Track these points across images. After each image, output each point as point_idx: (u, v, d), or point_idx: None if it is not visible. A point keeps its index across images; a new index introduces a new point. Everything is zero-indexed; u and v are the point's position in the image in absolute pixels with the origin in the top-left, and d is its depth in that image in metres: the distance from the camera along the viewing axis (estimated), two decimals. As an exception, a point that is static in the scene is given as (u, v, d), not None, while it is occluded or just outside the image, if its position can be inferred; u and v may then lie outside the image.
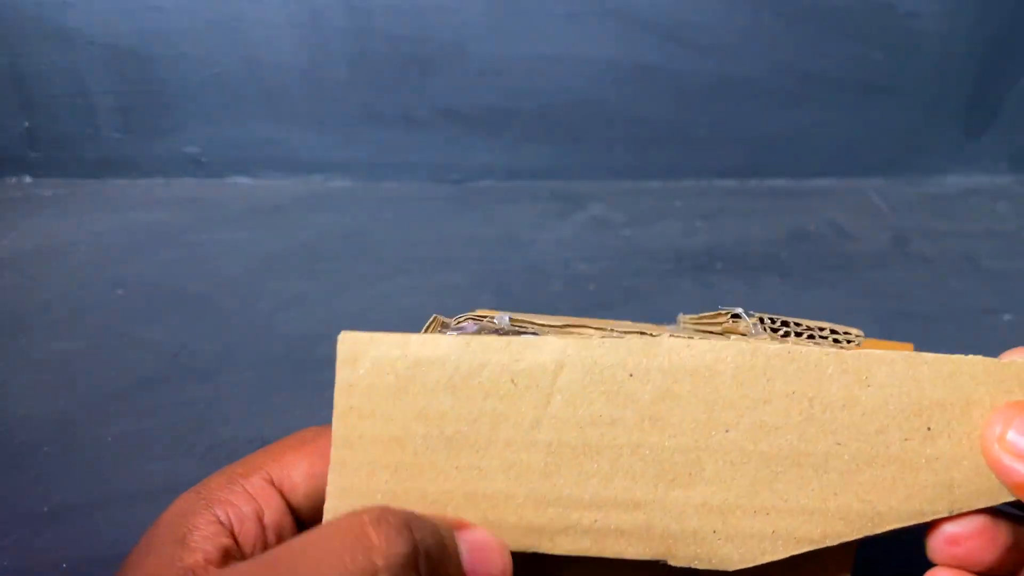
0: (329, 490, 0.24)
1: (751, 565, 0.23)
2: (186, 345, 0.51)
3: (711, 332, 0.27)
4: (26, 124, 0.65)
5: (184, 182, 0.68)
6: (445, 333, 0.25)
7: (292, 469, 0.26)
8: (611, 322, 0.36)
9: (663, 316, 0.55)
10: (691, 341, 0.24)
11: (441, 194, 0.68)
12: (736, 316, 0.26)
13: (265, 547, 0.25)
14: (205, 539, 0.24)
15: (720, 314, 0.26)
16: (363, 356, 0.24)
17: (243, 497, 0.25)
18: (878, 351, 0.24)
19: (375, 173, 0.68)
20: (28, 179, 0.67)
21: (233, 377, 0.48)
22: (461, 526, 0.23)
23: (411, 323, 0.55)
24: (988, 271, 0.60)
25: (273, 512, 0.25)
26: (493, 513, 0.24)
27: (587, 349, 0.24)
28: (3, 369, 0.49)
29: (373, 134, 0.67)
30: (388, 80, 0.65)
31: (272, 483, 0.26)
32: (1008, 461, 0.23)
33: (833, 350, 0.24)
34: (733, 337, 0.25)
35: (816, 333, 0.26)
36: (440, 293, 0.56)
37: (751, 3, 0.63)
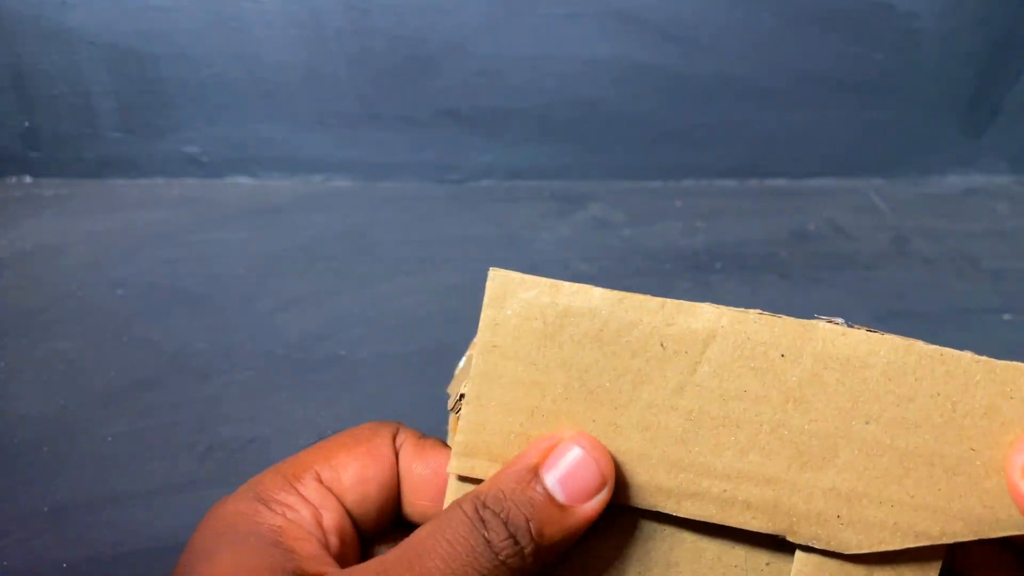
0: (462, 424, 0.25)
1: (867, 551, 0.24)
2: (186, 345, 0.51)
3: None
4: (26, 124, 0.65)
5: (184, 182, 0.68)
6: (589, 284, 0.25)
7: (342, 471, 0.26)
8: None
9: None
10: (847, 330, 0.24)
11: (441, 194, 0.68)
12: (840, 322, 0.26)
13: (331, 552, 0.24)
14: (296, 541, 0.24)
15: (819, 320, 0.26)
16: (512, 296, 0.25)
17: (298, 500, 0.25)
18: None
19: (375, 173, 0.68)
20: (28, 179, 0.67)
21: (233, 377, 0.48)
22: (546, 456, 0.23)
23: (411, 323, 0.56)
24: (988, 271, 0.60)
25: (332, 516, 0.25)
26: (624, 469, 0.24)
27: (742, 323, 0.24)
28: (3, 369, 0.49)
29: (373, 134, 0.67)
30: (388, 80, 0.65)
31: (323, 484, 0.26)
32: None
33: (984, 359, 0.24)
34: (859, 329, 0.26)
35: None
36: (440, 293, 0.56)
37: (751, 3, 0.63)
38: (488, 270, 0.24)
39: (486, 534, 0.22)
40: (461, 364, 0.28)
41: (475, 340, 0.25)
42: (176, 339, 0.51)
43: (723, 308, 0.24)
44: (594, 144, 0.68)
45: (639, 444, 0.24)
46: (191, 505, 0.41)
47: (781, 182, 0.70)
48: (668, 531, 0.25)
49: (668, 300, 0.24)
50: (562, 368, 0.24)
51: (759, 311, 0.24)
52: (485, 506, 0.22)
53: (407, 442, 0.27)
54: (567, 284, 0.24)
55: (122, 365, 0.49)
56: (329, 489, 0.26)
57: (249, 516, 0.24)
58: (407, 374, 0.49)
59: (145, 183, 0.67)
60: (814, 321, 0.24)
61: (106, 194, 0.66)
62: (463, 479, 0.25)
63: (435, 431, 0.48)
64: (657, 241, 0.62)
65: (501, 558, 0.22)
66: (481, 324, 0.24)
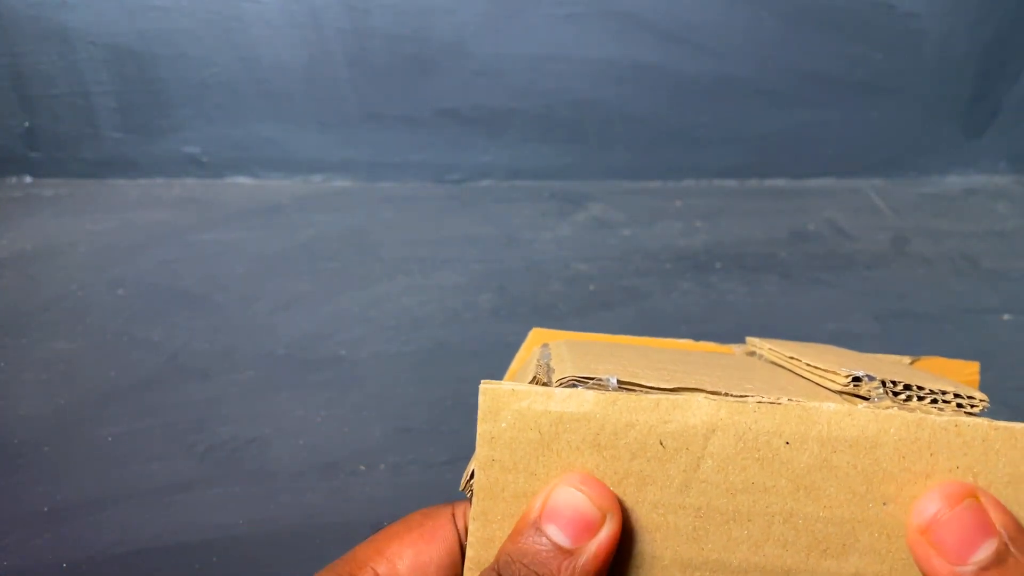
0: (470, 540, 0.24)
1: None
2: (186, 345, 0.51)
3: (826, 388, 0.27)
4: (26, 124, 0.65)
5: (184, 182, 0.68)
6: (581, 387, 0.25)
7: (397, 561, 0.26)
8: (692, 344, 0.36)
9: (663, 316, 0.55)
10: (852, 410, 0.23)
11: (441, 194, 0.68)
12: (857, 380, 0.25)
13: None
14: None
15: (837, 373, 0.26)
16: (505, 409, 0.24)
17: None
18: None
19: (375, 173, 0.68)
20: (28, 179, 0.67)
21: (233, 377, 0.48)
22: (544, 507, 0.23)
23: (411, 323, 0.56)
24: (988, 271, 0.60)
25: None
26: (637, 572, 0.24)
27: (741, 414, 0.23)
28: (3, 369, 0.49)
29: (373, 134, 0.67)
30: (388, 80, 0.65)
31: None
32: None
33: (1003, 424, 0.23)
34: (864, 404, 0.25)
35: (939, 397, 0.25)
36: (440, 293, 0.56)
37: (751, 3, 0.63)
38: (480, 384, 0.24)
39: None
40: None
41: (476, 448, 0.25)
42: (176, 339, 0.51)
43: (719, 400, 0.24)
44: (594, 144, 0.68)
45: (650, 546, 0.24)
46: (191, 505, 0.41)
47: (781, 182, 0.70)
48: None
49: (662, 397, 0.24)
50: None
51: (757, 399, 0.24)
52: (498, 573, 0.22)
53: (468, 514, 0.28)
54: (559, 391, 0.24)
55: (122, 365, 0.49)
56: None
57: None
58: (407, 374, 0.50)
59: (145, 183, 0.67)
60: (816, 404, 0.23)
61: (106, 194, 0.66)
62: None
63: (435, 430, 0.48)
64: (657, 241, 0.62)
65: None
66: (478, 439, 0.24)
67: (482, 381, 0.24)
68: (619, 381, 0.24)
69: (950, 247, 0.62)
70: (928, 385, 0.25)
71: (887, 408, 0.24)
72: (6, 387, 0.47)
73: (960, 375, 0.35)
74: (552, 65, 0.65)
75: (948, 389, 0.25)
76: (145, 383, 0.48)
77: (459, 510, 0.28)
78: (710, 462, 0.23)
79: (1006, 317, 0.55)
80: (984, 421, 0.23)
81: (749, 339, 0.36)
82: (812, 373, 0.27)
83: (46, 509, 0.40)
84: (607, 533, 0.23)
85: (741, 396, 0.24)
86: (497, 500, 0.24)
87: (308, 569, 0.37)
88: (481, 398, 0.24)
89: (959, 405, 0.25)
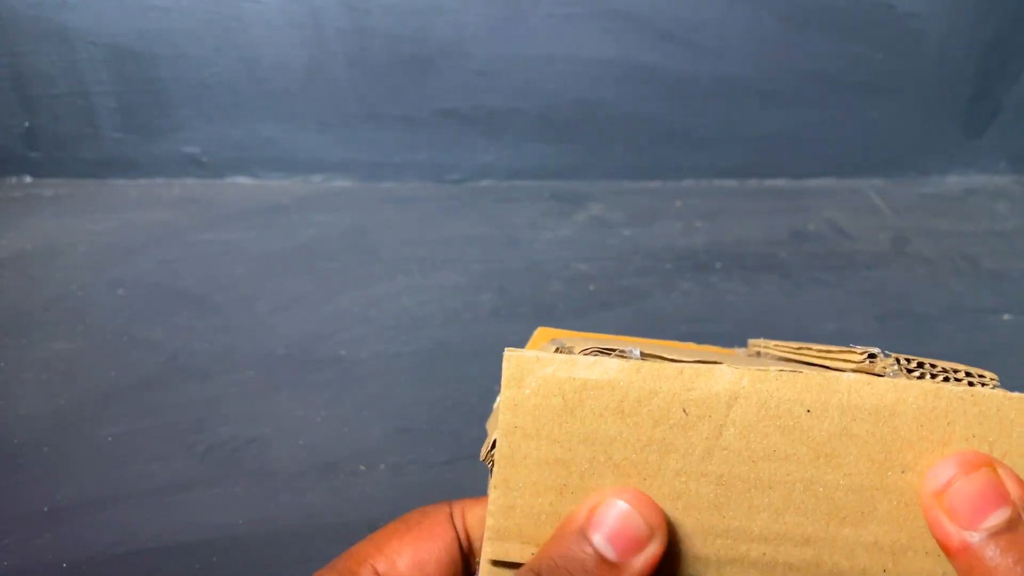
0: (490, 509, 0.24)
1: None
2: (186, 345, 0.51)
3: (840, 369, 0.27)
4: (26, 124, 0.65)
5: (184, 182, 0.68)
6: (605, 356, 0.25)
7: (397, 558, 0.26)
8: (696, 348, 0.36)
9: (663, 316, 0.55)
10: (872, 379, 0.24)
11: (441, 194, 0.68)
12: (872, 356, 0.25)
13: None
14: None
15: (852, 351, 0.26)
16: (529, 375, 0.24)
17: None
18: None
19: (375, 173, 0.68)
20: (28, 179, 0.67)
21: (233, 377, 0.48)
22: (591, 515, 0.23)
23: (411, 323, 0.56)
24: (988, 271, 0.60)
25: None
26: None
27: (764, 382, 0.24)
28: (3, 369, 0.49)
29: (373, 134, 0.67)
30: (388, 80, 0.65)
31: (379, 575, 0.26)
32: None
33: (1017, 395, 0.23)
34: (885, 377, 0.25)
35: (951, 375, 0.25)
36: (440, 293, 0.56)
37: (751, 3, 0.63)
38: (504, 351, 0.24)
39: None
40: (497, 402, 0.29)
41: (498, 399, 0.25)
42: (176, 339, 0.51)
43: (742, 368, 0.24)
44: (594, 144, 0.68)
45: (672, 513, 0.24)
46: (191, 505, 0.41)
47: (781, 182, 0.70)
48: None
49: (686, 365, 0.24)
50: (585, 443, 0.24)
51: (779, 368, 0.24)
52: (539, 573, 0.22)
53: (467, 510, 0.27)
54: (583, 358, 0.24)
55: (122, 365, 0.49)
56: None
57: None
58: (407, 374, 0.50)
59: (145, 183, 0.67)
60: (837, 373, 0.24)
61: (106, 194, 0.66)
62: (496, 564, 0.24)
63: (435, 430, 0.48)
64: (657, 241, 0.62)
65: None
66: (501, 406, 0.24)
67: (506, 349, 0.24)
68: (642, 353, 0.24)
69: (950, 247, 0.62)
70: (941, 364, 0.25)
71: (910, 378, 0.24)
72: (6, 387, 0.47)
73: None
74: (552, 65, 0.65)
75: (960, 368, 0.25)
76: (145, 383, 0.48)
77: (456, 509, 0.28)
78: (732, 430, 0.24)
79: (1006, 317, 0.55)
80: (999, 391, 0.23)
81: (751, 341, 0.36)
82: (824, 358, 0.28)
83: (46, 509, 0.40)
84: (654, 551, 0.23)
85: (763, 368, 0.24)
86: (519, 467, 0.24)
87: (308, 569, 0.37)
88: (505, 364, 0.24)
89: (971, 383, 0.25)
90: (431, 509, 0.27)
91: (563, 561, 0.22)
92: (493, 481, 0.24)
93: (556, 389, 0.24)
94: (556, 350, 0.25)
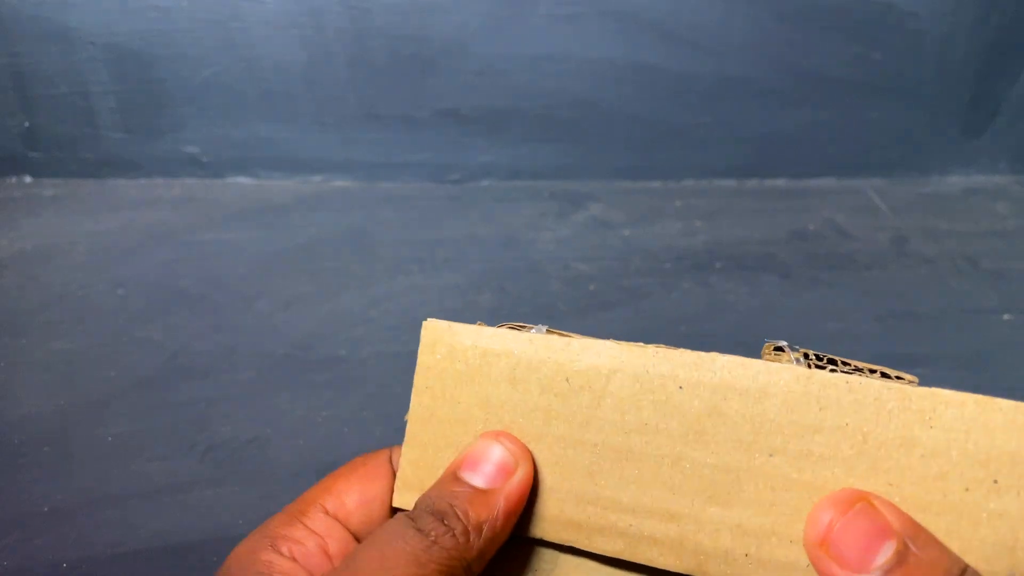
0: (402, 462, 0.26)
1: None
2: (186, 345, 0.51)
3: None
4: (26, 124, 0.65)
5: (184, 182, 0.68)
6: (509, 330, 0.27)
7: (345, 496, 0.28)
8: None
9: (663, 316, 0.55)
10: (746, 360, 0.24)
11: (441, 194, 0.68)
12: (779, 349, 0.25)
13: None
14: (284, 574, 0.25)
15: (766, 345, 0.26)
16: (441, 342, 0.26)
17: (304, 532, 0.26)
18: (947, 391, 0.22)
19: (375, 173, 0.68)
20: (28, 179, 0.67)
21: (233, 377, 0.48)
22: (463, 458, 0.25)
23: (411, 323, 0.56)
24: (988, 271, 0.60)
25: (337, 542, 0.27)
26: (537, 502, 0.25)
27: (640, 357, 0.25)
28: (3, 369, 0.49)
29: (373, 134, 0.67)
30: (388, 80, 0.65)
31: (329, 514, 0.27)
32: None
33: (896, 385, 0.22)
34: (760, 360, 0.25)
35: (867, 375, 0.24)
36: (440, 293, 0.56)
37: (751, 3, 0.63)
38: (425, 320, 0.27)
39: (416, 525, 0.23)
40: None
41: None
42: (176, 339, 0.51)
43: (625, 344, 0.25)
44: (594, 144, 0.68)
45: (550, 478, 0.25)
46: (191, 505, 0.41)
47: (781, 182, 0.70)
48: (587, 566, 0.26)
49: (574, 338, 0.25)
50: (481, 406, 0.26)
51: (658, 346, 0.25)
52: (415, 509, 0.24)
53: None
54: (488, 329, 0.26)
55: (122, 365, 0.49)
56: (335, 518, 0.27)
57: (259, 558, 0.25)
58: (407, 374, 0.49)
59: (145, 183, 0.67)
60: (713, 353, 0.24)
61: (106, 194, 0.66)
62: (401, 511, 0.26)
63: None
64: (657, 241, 0.62)
65: (432, 538, 0.22)
66: (416, 369, 0.27)
67: (428, 319, 0.27)
68: (547, 330, 0.26)
69: (950, 247, 0.62)
70: (855, 362, 0.25)
71: (783, 362, 0.24)
72: (6, 387, 0.47)
73: None
74: (552, 65, 0.65)
75: (877, 368, 0.24)
76: (145, 383, 0.48)
77: (396, 454, 0.29)
78: (609, 401, 0.25)
79: (1006, 317, 0.55)
80: (877, 381, 0.23)
81: None
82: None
83: (46, 509, 0.40)
84: (521, 475, 0.24)
85: (641, 344, 0.25)
86: (427, 424, 0.26)
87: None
88: (423, 332, 0.27)
89: (884, 376, 0.24)
90: (372, 455, 0.29)
91: (437, 494, 0.24)
92: (406, 437, 0.26)
93: (461, 356, 0.26)
94: (477, 324, 0.27)
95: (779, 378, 0.23)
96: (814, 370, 0.23)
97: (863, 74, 0.66)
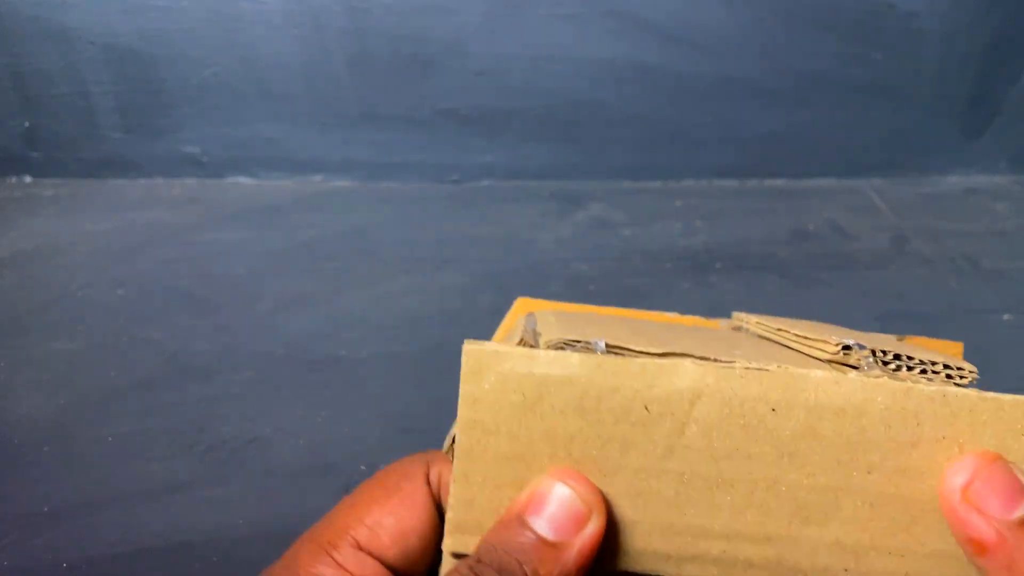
0: (451, 502, 0.24)
1: None
2: (186, 345, 0.51)
3: (815, 357, 0.26)
4: (26, 124, 0.65)
5: (184, 182, 0.68)
6: (567, 350, 0.24)
7: (380, 529, 0.26)
8: (678, 317, 0.35)
9: (663, 316, 0.55)
10: (840, 377, 0.23)
11: (441, 194, 0.68)
12: (847, 348, 0.25)
13: None
14: None
15: (827, 341, 0.25)
16: (488, 370, 0.23)
17: (335, 572, 0.25)
18: None
19: (375, 173, 0.68)
20: (28, 179, 0.67)
21: (233, 377, 0.48)
22: (529, 500, 0.23)
23: (411, 323, 0.56)
24: (988, 271, 0.60)
25: None
26: (620, 536, 0.24)
27: (727, 380, 0.23)
28: (3, 369, 0.49)
29: (373, 134, 0.67)
30: (388, 80, 0.65)
31: (361, 548, 0.25)
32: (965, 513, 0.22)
33: (991, 395, 0.23)
34: (854, 373, 0.24)
35: (929, 368, 0.25)
36: (440, 293, 0.56)
37: (751, 3, 0.63)
38: (463, 343, 0.23)
39: None
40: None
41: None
42: (176, 339, 0.51)
43: (707, 364, 0.23)
44: (594, 144, 0.68)
45: (632, 511, 0.24)
46: (191, 505, 0.41)
47: (781, 182, 0.70)
48: None
49: (648, 360, 0.23)
50: (545, 440, 0.23)
51: (745, 364, 0.23)
52: (479, 561, 0.22)
53: (444, 475, 0.27)
54: (543, 352, 0.23)
55: (122, 365, 0.49)
56: (368, 551, 0.25)
57: None
58: (407, 374, 0.49)
59: (145, 183, 0.67)
60: (804, 371, 0.23)
61: (106, 194, 0.66)
62: (457, 556, 0.24)
63: (435, 430, 0.48)
64: (657, 241, 0.62)
65: None
66: (460, 401, 0.24)
67: (465, 341, 0.23)
68: (607, 345, 0.24)
69: (950, 247, 0.62)
70: (918, 355, 0.25)
71: (876, 377, 0.23)
72: (6, 387, 0.47)
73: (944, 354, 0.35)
74: (552, 65, 0.65)
75: (938, 360, 0.25)
76: (145, 383, 0.48)
77: (434, 468, 0.27)
78: (695, 427, 0.23)
79: (1006, 317, 0.55)
80: (972, 391, 0.23)
81: (736, 314, 0.36)
82: (801, 344, 0.27)
83: (46, 509, 0.40)
84: (593, 529, 0.22)
85: (729, 362, 0.23)
86: (478, 462, 0.24)
87: (308, 569, 0.37)
88: (464, 359, 0.23)
89: (948, 376, 0.24)
90: (409, 470, 0.27)
91: (501, 544, 0.22)
92: (454, 475, 0.24)
93: (515, 385, 0.23)
94: (520, 340, 0.25)
95: (876, 395, 0.23)
96: (910, 384, 0.23)
97: (863, 74, 0.66)
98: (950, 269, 0.60)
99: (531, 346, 0.24)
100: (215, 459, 0.43)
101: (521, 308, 0.36)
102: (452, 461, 0.24)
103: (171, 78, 0.64)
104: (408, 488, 0.26)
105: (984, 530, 0.21)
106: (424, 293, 0.56)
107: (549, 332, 0.25)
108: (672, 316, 0.37)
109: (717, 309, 0.56)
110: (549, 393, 0.23)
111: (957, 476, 0.22)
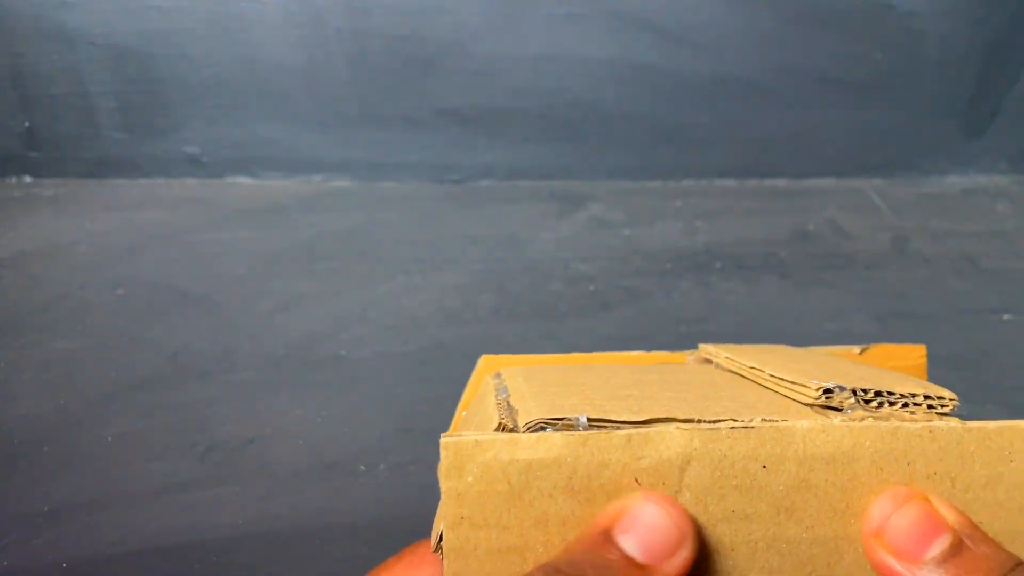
0: None
1: None
2: (186, 345, 0.51)
3: (796, 400, 0.26)
4: (26, 124, 0.65)
5: (184, 182, 0.68)
6: (549, 430, 0.23)
7: None
8: (641, 356, 0.35)
9: (663, 316, 0.55)
10: (827, 425, 0.23)
11: (441, 194, 0.68)
12: (828, 392, 0.25)
13: None
14: None
15: (807, 385, 0.25)
16: (470, 461, 0.22)
17: None
18: (1020, 422, 0.23)
19: (375, 173, 0.68)
20: (28, 179, 0.67)
21: (233, 377, 0.48)
22: (619, 517, 0.22)
23: (411, 323, 0.56)
24: (988, 271, 0.60)
25: None
26: None
27: (715, 442, 0.23)
28: (3, 369, 0.49)
29: (373, 134, 0.67)
30: (388, 80, 0.65)
31: None
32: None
33: (975, 425, 0.23)
34: (839, 416, 0.24)
35: (910, 400, 0.25)
36: (440, 293, 0.56)
37: (750, 3, 0.63)
38: (440, 438, 0.22)
39: None
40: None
41: (439, 509, 0.24)
42: (176, 339, 0.51)
43: (692, 429, 0.23)
44: (594, 144, 0.68)
45: None
46: (191, 505, 0.41)
47: (781, 182, 0.70)
48: None
49: (633, 432, 0.23)
50: (538, 527, 0.23)
51: (730, 424, 0.23)
52: (557, 571, 0.20)
53: None
54: (524, 436, 0.23)
55: (122, 365, 0.49)
56: None
57: None
58: (407, 374, 0.49)
59: (145, 183, 0.67)
60: (789, 423, 0.23)
61: (106, 194, 0.66)
62: None
63: (435, 430, 0.48)
64: (657, 241, 0.62)
65: None
66: (443, 498, 0.23)
67: (442, 435, 0.22)
68: (589, 419, 0.23)
69: (950, 247, 0.62)
70: (897, 389, 0.25)
71: (861, 420, 0.23)
72: (6, 387, 0.47)
73: (908, 360, 0.35)
74: (552, 65, 0.65)
75: (917, 391, 0.25)
76: (145, 383, 0.48)
77: None
78: (688, 495, 0.23)
79: (1006, 317, 0.55)
80: (957, 424, 0.23)
81: (702, 346, 0.36)
82: (779, 385, 0.27)
83: (46, 509, 0.40)
84: (684, 557, 0.22)
85: (713, 422, 0.23)
86: (470, 559, 0.23)
87: (308, 569, 0.37)
88: (443, 453, 0.22)
89: (930, 407, 0.25)
90: (422, 543, 0.27)
91: (586, 559, 0.21)
92: (446, 574, 0.23)
93: (500, 474, 0.22)
94: (498, 426, 0.24)
95: (864, 439, 0.23)
96: (895, 423, 0.23)
97: (863, 74, 0.66)
98: (950, 269, 0.60)
99: (511, 429, 0.24)
100: (215, 459, 0.43)
101: (486, 367, 0.36)
102: (441, 560, 0.23)
103: (171, 78, 0.64)
104: (420, 552, 0.26)
105: (899, 571, 0.21)
106: (424, 293, 0.56)
107: (525, 407, 0.24)
108: (638, 355, 0.37)
109: (717, 309, 0.56)
110: (536, 478, 0.22)
111: (872, 519, 0.22)
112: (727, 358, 0.32)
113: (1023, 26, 0.65)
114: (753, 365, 0.29)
